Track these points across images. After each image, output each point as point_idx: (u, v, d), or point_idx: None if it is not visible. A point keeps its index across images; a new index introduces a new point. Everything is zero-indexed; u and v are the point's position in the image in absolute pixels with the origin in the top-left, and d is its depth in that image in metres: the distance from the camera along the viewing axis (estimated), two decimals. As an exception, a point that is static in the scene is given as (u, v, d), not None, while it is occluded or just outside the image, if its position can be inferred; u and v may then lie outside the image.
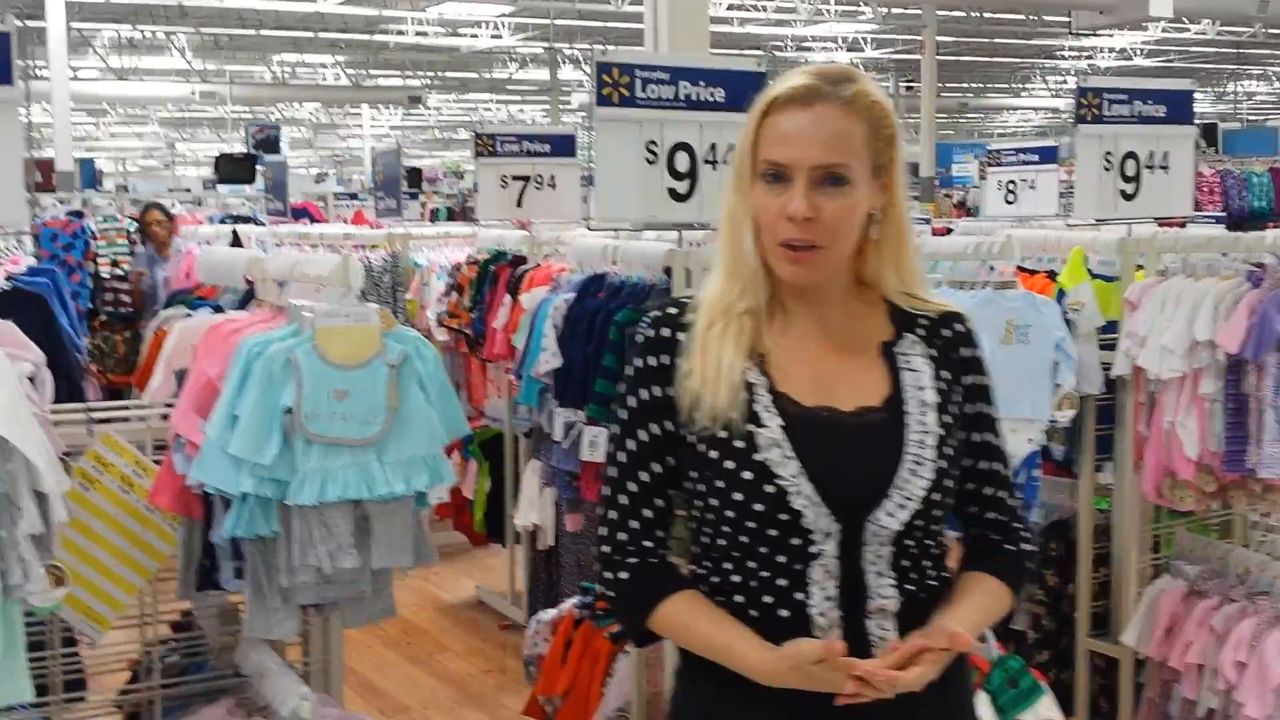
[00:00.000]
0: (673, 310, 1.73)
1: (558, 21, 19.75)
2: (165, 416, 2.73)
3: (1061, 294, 3.67)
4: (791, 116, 1.61)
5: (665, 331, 1.71)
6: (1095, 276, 3.77)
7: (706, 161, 3.24)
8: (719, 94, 3.23)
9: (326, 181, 23.59)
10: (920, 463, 1.63)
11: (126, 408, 2.85)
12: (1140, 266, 3.72)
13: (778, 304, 1.70)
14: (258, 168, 12.46)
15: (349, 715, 2.62)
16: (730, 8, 18.54)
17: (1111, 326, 3.67)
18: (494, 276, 5.27)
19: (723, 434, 1.63)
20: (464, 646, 5.45)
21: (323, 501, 2.39)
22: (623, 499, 1.72)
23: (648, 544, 1.71)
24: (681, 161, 3.20)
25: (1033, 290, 3.53)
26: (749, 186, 1.65)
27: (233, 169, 14.11)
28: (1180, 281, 3.48)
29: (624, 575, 1.71)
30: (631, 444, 1.71)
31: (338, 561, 2.43)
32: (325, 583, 2.48)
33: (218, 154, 15.28)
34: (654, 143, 3.17)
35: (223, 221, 8.87)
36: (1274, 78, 29.29)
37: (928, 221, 9.96)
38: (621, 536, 1.72)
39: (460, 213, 16.52)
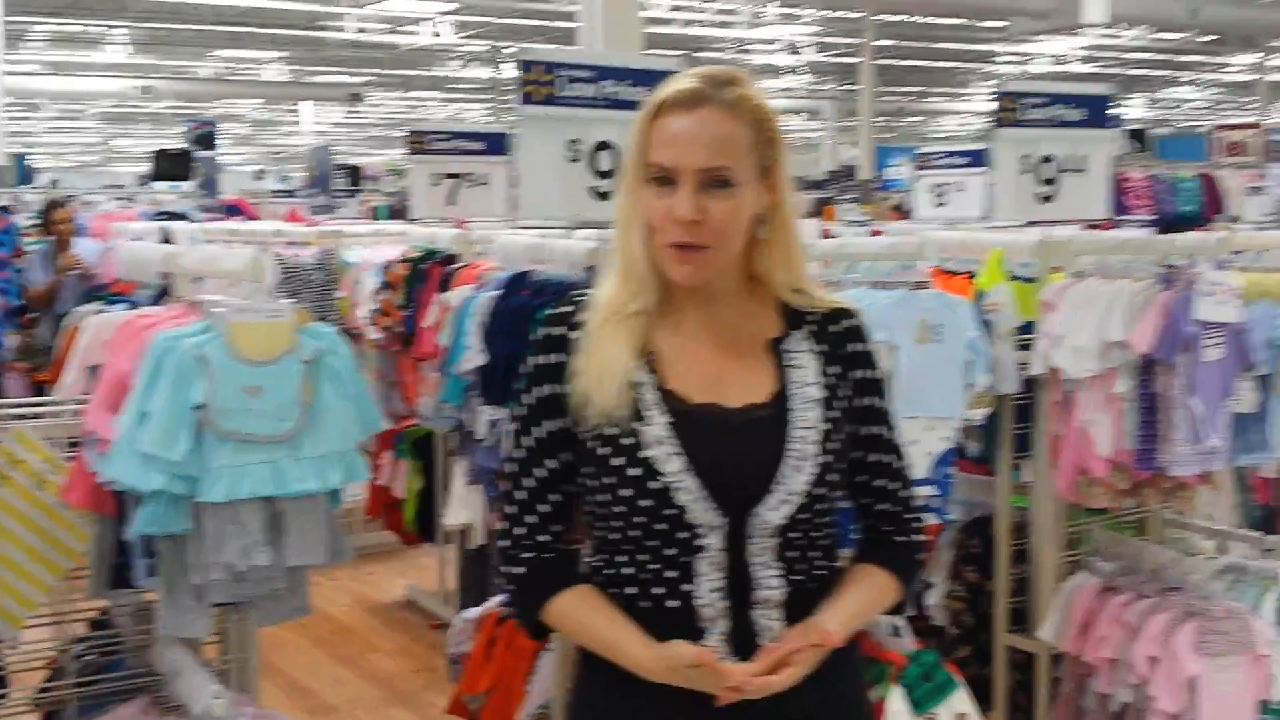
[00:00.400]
0: (567, 309, 1.76)
1: (500, 20, 19.69)
2: (78, 413, 2.70)
3: (980, 295, 3.73)
4: (677, 120, 1.64)
5: (558, 330, 1.75)
6: (1014, 278, 3.84)
7: (630, 161, 3.25)
8: (642, 93, 3.24)
9: (266, 179, 23.37)
10: (803, 458, 1.67)
11: (39, 404, 2.81)
12: (1058, 268, 3.79)
13: (669, 303, 1.73)
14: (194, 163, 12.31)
15: (265, 713, 2.60)
16: (673, 9, 18.60)
17: (1029, 327, 3.73)
18: (425, 275, 5.25)
19: (611, 431, 1.66)
20: (394, 646, 5.43)
21: (235, 498, 2.38)
22: (520, 495, 1.76)
23: (544, 539, 1.75)
24: (604, 160, 3.21)
25: (953, 291, 3.58)
26: (638, 189, 1.68)
27: (170, 165, 13.91)
28: (1095, 283, 3.54)
29: (519, 570, 1.75)
30: (528, 441, 1.75)
31: (250, 559, 2.42)
32: (238, 580, 2.47)
33: (155, 150, 15.06)
34: (577, 141, 3.18)
35: (154, 218, 8.75)
36: (1205, 84, 29.89)
37: (866, 224, 10.06)
38: (519, 531, 1.76)
39: (402, 211, 16.42)
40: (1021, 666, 3.94)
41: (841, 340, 1.77)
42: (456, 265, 4.97)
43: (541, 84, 3.11)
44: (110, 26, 20.21)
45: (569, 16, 18.93)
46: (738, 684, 1.58)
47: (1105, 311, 3.44)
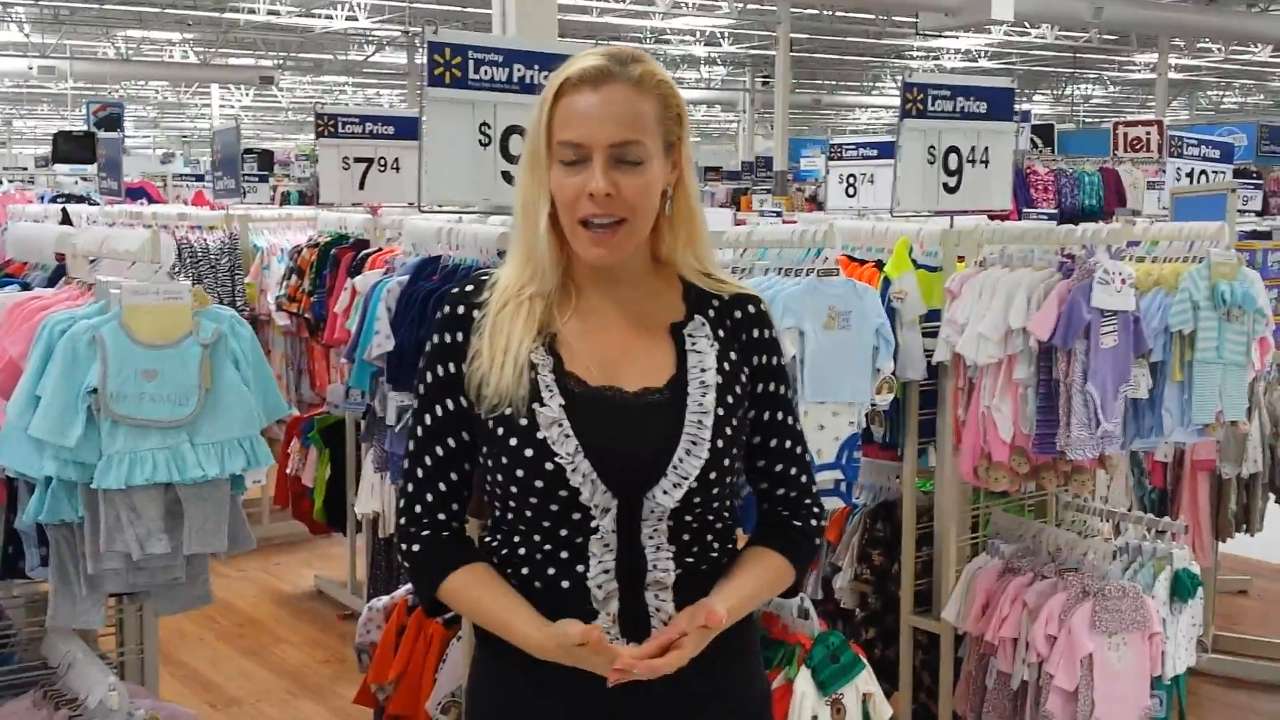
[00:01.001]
0: (470, 288, 1.76)
1: (415, 5, 19.47)
2: (-34, 398, 2.61)
3: (887, 283, 3.78)
4: (584, 97, 1.63)
5: (460, 309, 1.74)
6: (919, 267, 3.89)
7: (540, 145, 3.23)
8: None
9: (174, 162, 22.83)
10: (696, 442, 1.67)
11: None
12: (961, 258, 3.86)
13: (571, 284, 1.73)
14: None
15: (161, 705, 2.55)
16: (589, -3, 18.57)
17: (934, 315, 3.79)
18: (335, 260, 5.18)
19: (508, 411, 1.66)
20: (301, 637, 5.35)
21: (130, 484, 2.32)
22: (419, 472, 1.76)
23: (441, 517, 1.76)
24: (515, 144, 3.19)
25: (860, 279, 3.63)
26: (544, 168, 1.67)
27: (71, 148, 13.51)
28: (997, 272, 3.61)
29: (416, 547, 1.76)
30: (428, 419, 1.75)
31: (147, 547, 2.36)
32: (135, 569, 2.42)
33: (56, 132, 14.62)
34: (487, 124, 3.16)
35: (53, 200, 8.51)
36: (1108, 82, 30.65)
37: (779, 214, 10.14)
38: (417, 509, 1.76)
39: (312, 197, 16.17)
40: (926, 647, 4.02)
41: (742, 327, 1.77)
42: (368, 251, 4.91)
43: (450, 67, 3.08)
44: (9, 4, 19.58)
45: (486, 3, 18.81)
46: (625, 665, 1.59)
47: (1007, 299, 3.50)
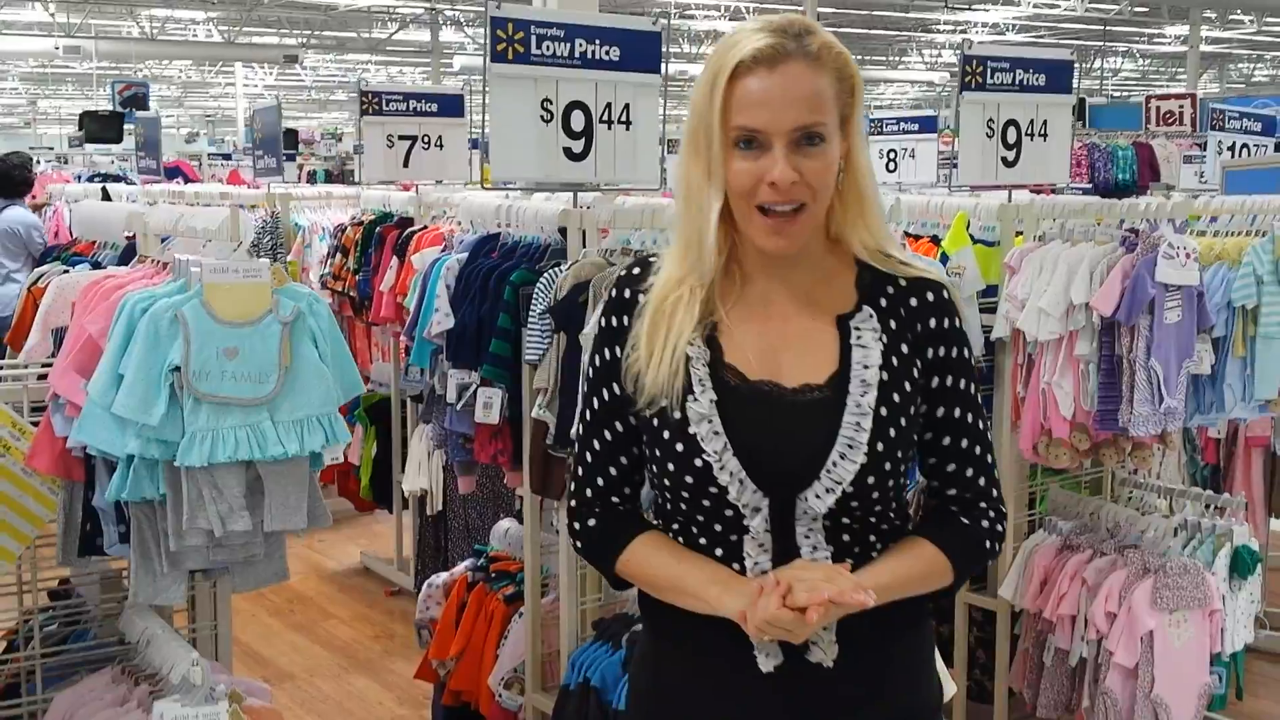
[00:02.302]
0: (636, 270, 1.72)
1: (439, -18, 19.41)
2: (42, 376, 2.63)
3: (944, 258, 3.76)
4: (760, 79, 1.55)
5: (626, 293, 1.71)
6: (976, 241, 3.87)
7: (602, 121, 3.22)
8: (614, 53, 3.20)
9: (198, 141, 22.87)
10: (853, 445, 1.59)
11: (0, 367, 2.73)
12: (1020, 232, 3.83)
13: (737, 269, 1.67)
14: (128, 125, 11.99)
15: (240, 681, 2.56)
16: (615, -28, 18.44)
17: (992, 290, 3.77)
18: (380, 238, 5.17)
19: (663, 404, 1.63)
20: (350, 613, 5.39)
21: (213, 462, 2.33)
22: (588, 455, 1.75)
23: (614, 499, 1.74)
24: (577, 120, 3.18)
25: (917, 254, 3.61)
26: (718, 154, 1.57)
27: (98, 127, 13.55)
28: (1057, 247, 3.58)
29: (591, 523, 1.75)
30: (595, 403, 1.74)
31: (229, 524, 2.37)
32: (215, 546, 2.43)
33: (81, 111, 14.65)
34: (549, 100, 3.14)
35: (90, 180, 8.54)
36: (1138, 55, 30.32)
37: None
38: (588, 492, 1.75)
39: (339, 175, 16.18)
40: (981, 624, 4.01)
41: (917, 316, 1.66)
42: (413, 229, 4.90)
43: (513, 42, 3.06)
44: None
45: (509, -21, 18.70)
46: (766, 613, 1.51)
47: (1068, 275, 3.47)
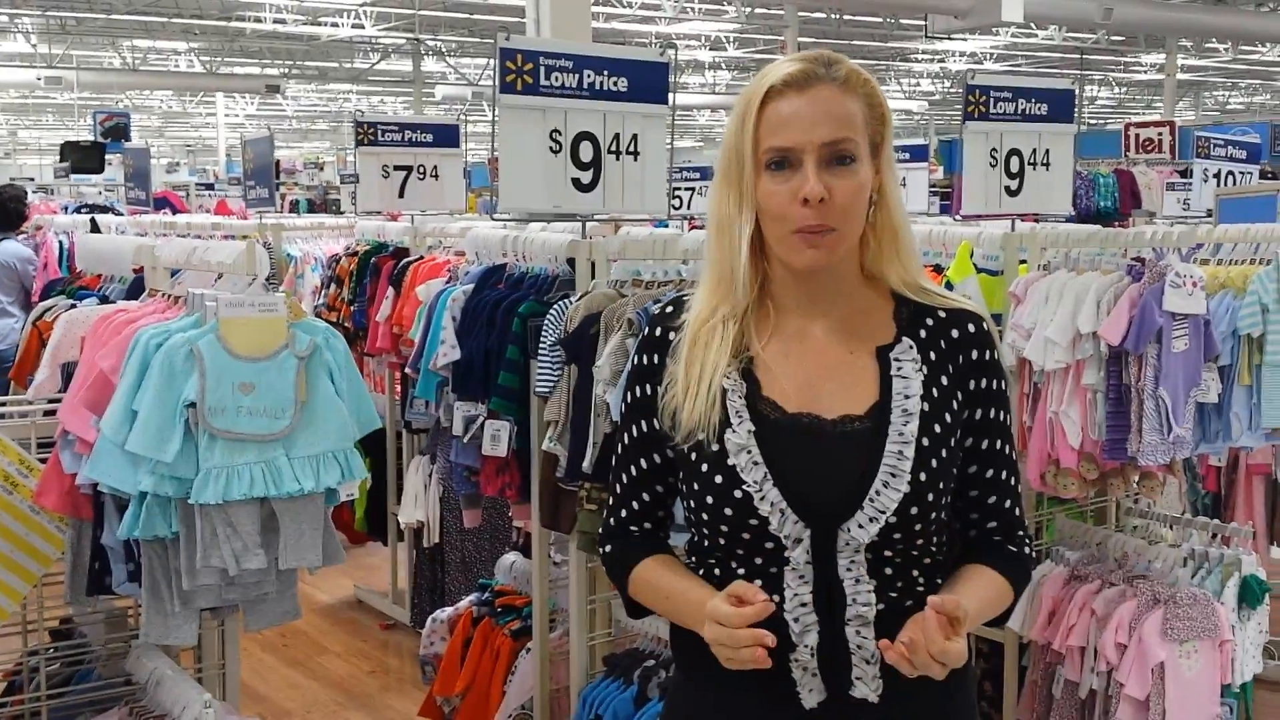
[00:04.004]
0: (670, 309, 1.73)
1: (422, 12, 19.45)
2: (50, 412, 2.58)
3: (949, 287, 3.75)
4: (790, 101, 1.57)
5: (659, 331, 1.71)
6: (980, 270, 3.87)
7: (610, 152, 3.21)
8: (623, 84, 3.20)
9: (179, 171, 22.80)
10: (895, 475, 1.58)
11: (6, 403, 2.68)
12: (1023, 261, 3.83)
13: (770, 305, 1.67)
14: (116, 155, 11.94)
15: (250, 721, 2.52)
16: (596, 3, 18.53)
17: (996, 319, 3.76)
18: (375, 268, 5.15)
19: (701, 437, 1.62)
20: (344, 648, 5.32)
21: (227, 499, 2.29)
22: (619, 486, 1.78)
23: (634, 527, 1.77)
24: (585, 151, 3.17)
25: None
26: (750, 180, 1.59)
27: (80, 157, 13.48)
28: (1063, 275, 3.58)
29: (610, 547, 1.77)
30: (627, 437, 1.76)
31: (243, 562, 2.33)
32: (228, 584, 2.39)
33: (63, 142, 14.58)
34: (558, 131, 3.13)
35: (78, 211, 8.47)
36: (1114, 83, 30.65)
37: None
38: (613, 522, 1.79)
39: (321, 205, 16.14)
40: (988, 655, 3.98)
41: (958, 348, 1.66)
42: (409, 259, 4.88)
43: (522, 73, 3.05)
44: (15, 15, 19.55)
45: (493, 9, 18.77)
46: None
47: (1075, 304, 3.47)
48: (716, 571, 1.66)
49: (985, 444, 1.68)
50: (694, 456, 1.63)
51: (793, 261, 1.60)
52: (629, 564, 1.74)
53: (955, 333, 1.67)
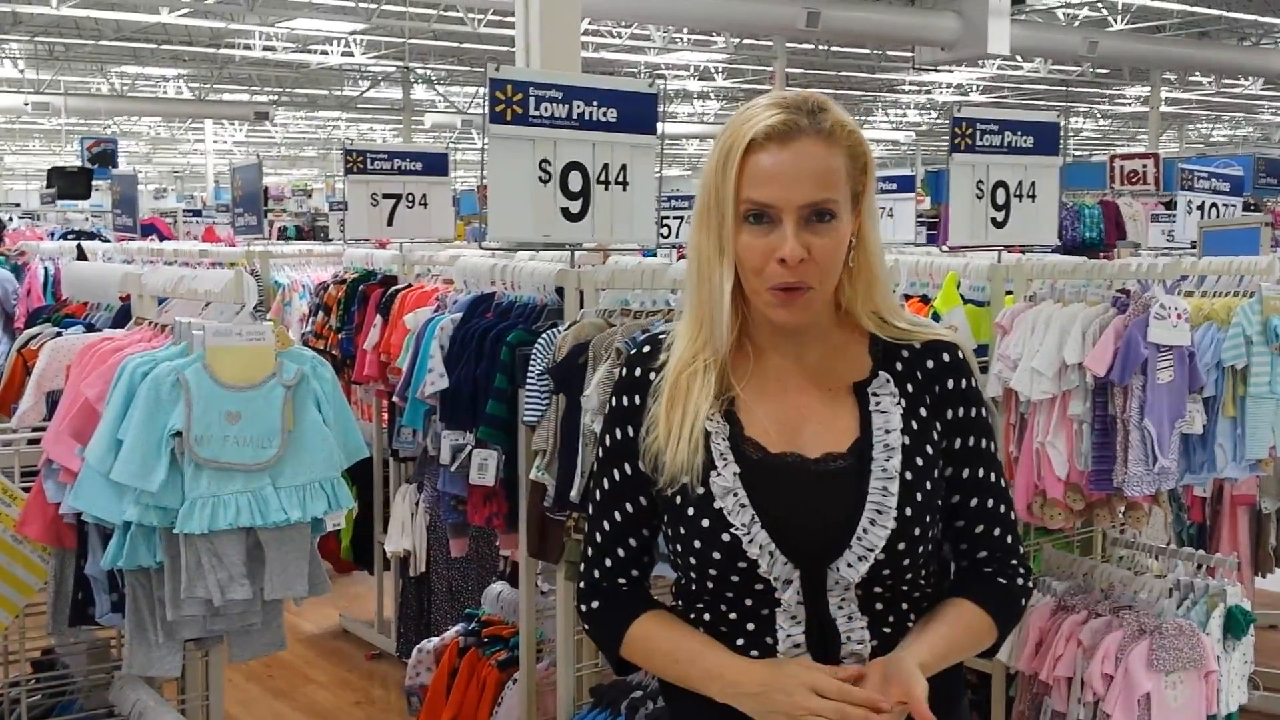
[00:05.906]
0: (647, 349, 1.71)
1: (411, 41, 19.53)
2: (34, 441, 2.57)
3: (936, 317, 3.77)
4: (773, 155, 1.55)
5: (637, 372, 1.69)
6: (966, 301, 3.88)
7: (599, 182, 3.22)
8: (612, 114, 3.21)
9: (166, 197, 22.81)
10: (881, 511, 1.58)
11: (-10, 432, 2.67)
12: (1009, 292, 3.85)
13: (749, 345, 1.66)
14: (103, 181, 11.93)
15: (234, 753, 2.49)
16: (586, 33, 18.63)
17: (982, 350, 3.78)
18: (363, 296, 5.15)
19: (685, 481, 1.60)
20: (329, 678, 5.28)
21: (213, 529, 2.28)
22: (598, 537, 1.72)
23: (620, 580, 1.72)
24: (575, 181, 3.18)
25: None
26: (730, 230, 1.57)
27: (67, 183, 13.46)
28: (1049, 307, 3.60)
29: (595, 604, 1.71)
30: (606, 483, 1.71)
31: (228, 593, 2.31)
32: (213, 615, 2.37)
33: (50, 167, 14.56)
34: (547, 161, 3.14)
35: (65, 237, 8.46)
36: (1098, 115, 30.91)
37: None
38: (595, 573, 1.72)
39: (309, 232, 16.15)
40: (975, 686, 3.97)
41: (934, 378, 1.65)
42: (397, 287, 4.88)
43: (512, 104, 3.07)
44: (3, 41, 19.57)
45: (483, 39, 18.86)
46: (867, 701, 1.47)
47: (1061, 335, 3.49)
48: (706, 616, 1.65)
49: (967, 473, 1.67)
50: (678, 500, 1.61)
51: (770, 316, 1.60)
52: (619, 625, 1.68)
53: (930, 363, 1.66)
